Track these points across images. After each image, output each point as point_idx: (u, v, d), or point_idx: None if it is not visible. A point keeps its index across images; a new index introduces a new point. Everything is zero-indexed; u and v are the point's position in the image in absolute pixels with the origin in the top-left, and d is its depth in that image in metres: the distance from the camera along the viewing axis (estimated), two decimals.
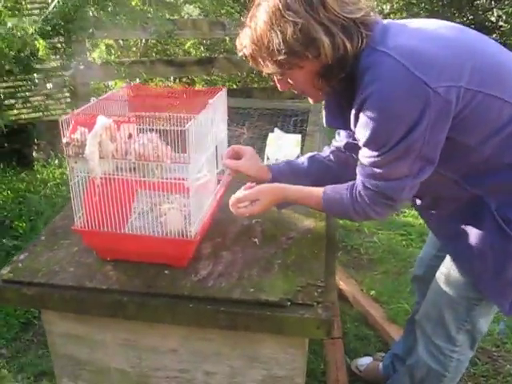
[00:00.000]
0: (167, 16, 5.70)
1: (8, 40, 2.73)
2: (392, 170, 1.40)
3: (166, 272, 1.54)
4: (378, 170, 1.42)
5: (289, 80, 1.47)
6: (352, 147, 1.69)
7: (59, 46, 4.19)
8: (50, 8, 3.37)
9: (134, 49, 6.08)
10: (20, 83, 4.36)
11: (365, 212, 1.52)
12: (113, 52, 5.81)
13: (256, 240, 1.70)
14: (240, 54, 1.48)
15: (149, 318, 1.48)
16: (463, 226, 1.56)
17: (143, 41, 5.82)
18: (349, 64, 1.36)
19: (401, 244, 3.46)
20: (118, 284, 1.50)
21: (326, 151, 1.84)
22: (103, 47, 5.84)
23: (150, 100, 1.60)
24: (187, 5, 6.18)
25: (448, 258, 1.72)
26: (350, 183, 1.55)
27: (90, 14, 4.70)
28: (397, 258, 3.30)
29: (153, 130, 1.49)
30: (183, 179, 1.42)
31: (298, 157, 2.01)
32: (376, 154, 1.39)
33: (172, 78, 6.10)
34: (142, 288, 1.48)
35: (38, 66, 3.97)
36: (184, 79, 6.21)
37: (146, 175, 1.43)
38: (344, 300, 2.83)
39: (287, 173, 1.79)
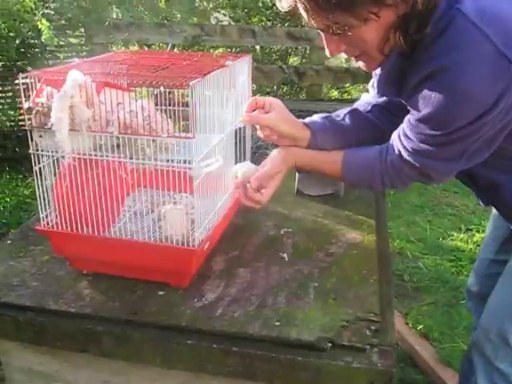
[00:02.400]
0: (195, 20, 5.39)
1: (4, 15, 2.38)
2: (444, 150, 1.17)
3: (160, 293, 1.13)
4: (426, 147, 1.17)
5: (349, 40, 1.11)
6: (394, 104, 1.38)
7: (75, 41, 3.85)
8: None
9: None
10: None
11: (392, 184, 1.30)
12: None
13: (285, 255, 1.27)
14: (288, 3, 1.08)
15: (130, 357, 1.06)
16: None
17: (169, 46, 5.49)
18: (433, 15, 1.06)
19: (450, 271, 2.99)
20: (91, 307, 1.09)
21: (365, 105, 1.47)
22: (127, 50, 5.51)
23: (150, 61, 1.20)
24: (217, 11, 5.85)
25: None
26: (377, 148, 1.30)
27: (114, 15, 4.41)
28: (446, 286, 2.83)
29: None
30: (185, 162, 1.01)
31: None
32: (432, 133, 1.14)
33: None
34: (124, 314, 1.07)
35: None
36: None
37: (134, 155, 1.02)
38: None
39: (329, 129, 1.39)
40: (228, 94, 1.19)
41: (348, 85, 6.58)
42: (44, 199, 1.13)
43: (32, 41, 2.95)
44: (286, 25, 5.91)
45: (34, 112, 1.03)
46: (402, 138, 1.22)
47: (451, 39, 1.04)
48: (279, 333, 1.00)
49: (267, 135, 1.32)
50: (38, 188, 1.11)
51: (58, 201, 1.10)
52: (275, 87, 6.09)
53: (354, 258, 1.27)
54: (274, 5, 4.81)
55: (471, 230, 3.43)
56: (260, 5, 5.70)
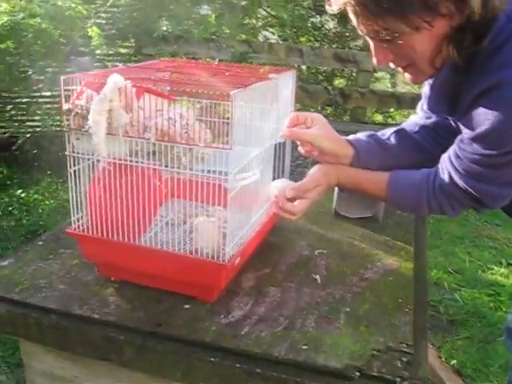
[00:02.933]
0: (243, 37, 5.41)
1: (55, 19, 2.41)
2: (499, 173, 1.10)
3: (186, 307, 1.10)
4: (480, 169, 1.10)
5: (398, 49, 1.07)
6: (443, 127, 1.33)
7: (124, 51, 3.90)
8: (109, 3, 3.06)
9: None
10: None
11: (441, 209, 1.22)
12: None
13: (317, 277, 1.23)
14: (338, 6, 1.04)
15: (150, 369, 1.02)
16: None
17: (216, 61, 5.52)
18: (492, 28, 1.01)
19: (488, 306, 2.89)
20: (115, 315, 1.07)
21: (412, 126, 1.41)
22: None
23: (193, 70, 1.18)
24: (265, 30, 5.87)
25: None
26: (426, 170, 1.24)
27: (163, 27, 4.46)
28: (483, 322, 2.73)
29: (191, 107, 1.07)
30: (220, 174, 0.98)
31: None
32: (487, 152, 1.07)
33: None
34: (148, 325, 1.04)
35: None
36: None
37: (169, 163, 1.00)
38: None
39: (374, 148, 1.33)
40: (270, 108, 1.16)
41: (392, 110, 6.51)
42: (77, 202, 1.11)
43: (82, 48, 3.00)
44: (333, 46, 5.89)
45: (72, 114, 1.02)
46: (453, 159, 1.15)
47: (510, 54, 1.00)
48: (306, 357, 0.96)
49: (308, 151, 1.29)
50: (72, 191, 1.10)
51: (91, 205, 1.09)
52: (319, 107, 6.05)
53: (390, 285, 1.22)
54: (323, 25, 4.77)
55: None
56: (309, 25, 5.69)
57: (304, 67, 5.94)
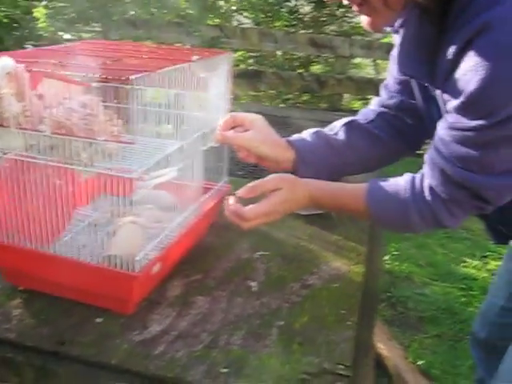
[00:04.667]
0: (215, 21, 5.26)
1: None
2: (498, 154, 0.88)
3: (98, 320, 0.96)
4: (474, 153, 0.89)
5: None
6: (408, 107, 1.17)
7: (87, 36, 3.72)
8: None
9: None
10: None
11: (435, 217, 0.99)
12: None
13: (253, 284, 1.10)
14: None
15: None
16: None
17: (187, 47, 5.36)
18: None
19: (459, 301, 2.78)
20: (16, 331, 0.93)
21: (368, 114, 1.25)
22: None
23: (110, 53, 1.04)
24: (238, 14, 5.71)
25: None
26: (410, 175, 1.04)
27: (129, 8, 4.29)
28: (454, 318, 2.62)
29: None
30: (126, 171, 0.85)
31: None
32: (478, 123, 0.86)
33: None
34: (50, 344, 0.91)
35: None
36: None
37: (69, 159, 0.86)
38: (382, 369, 2.17)
39: (319, 148, 1.19)
40: (194, 96, 1.02)
41: (371, 96, 6.39)
42: None
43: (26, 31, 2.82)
44: (309, 31, 5.74)
45: None
46: (440, 147, 0.95)
47: None
48: (224, 383, 0.83)
49: (245, 156, 1.15)
50: None
51: None
52: (294, 94, 5.92)
53: (334, 293, 1.09)
54: (298, 10, 4.64)
55: (486, 257, 3.20)
56: (283, 9, 5.54)
57: (279, 53, 5.79)
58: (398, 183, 1.04)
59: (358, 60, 6.24)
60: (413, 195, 1.00)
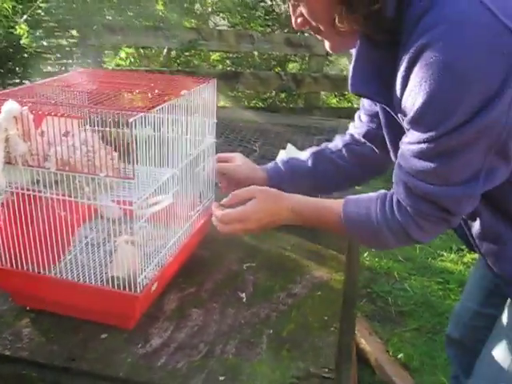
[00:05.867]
0: (193, 25, 5.31)
1: None
2: (451, 165, 0.96)
3: (103, 336, 1.05)
4: (430, 165, 0.97)
5: (303, 11, 1.06)
6: (374, 137, 1.32)
7: (66, 45, 3.78)
8: None
9: (161, 59, 5.67)
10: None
11: (405, 231, 1.07)
12: (132, 60, 5.41)
13: (243, 295, 1.20)
14: None
15: None
16: None
17: (165, 50, 5.41)
18: None
19: (437, 294, 2.91)
20: (28, 350, 1.01)
21: (337, 143, 1.43)
22: (123, 54, 5.45)
23: (103, 87, 1.12)
24: (215, 15, 5.77)
25: (508, 316, 1.20)
26: (381, 191, 1.14)
27: (107, 16, 4.35)
28: (431, 311, 2.75)
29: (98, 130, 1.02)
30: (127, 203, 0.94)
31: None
32: (429, 135, 0.94)
33: None
34: (61, 360, 0.99)
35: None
36: None
37: (73, 193, 0.95)
38: (364, 363, 2.29)
39: (286, 173, 1.40)
40: (185, 124, 1.11)
41: (346, 93, 6.50)
42: None
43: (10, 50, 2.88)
44: (285, 31, 5.83)
45: None
46: (402, 162, 1.03)
47: (441, 13, 0.90)
48: None
49: (225, 187, 1.37)
50: None
51: (3, 234, 1.03)
52: (273, 92, 6.00)
53: (317, 301, 1.19)
54: (274, 10, 4.71)
55: (462, 249, 3.34)
56: (258, 13, 5.61)
57: (256, 53, 5.87)
58: (371, 202, 1.13)
59: (333, 57, 6.33)
60: (383, 213, 1.10)
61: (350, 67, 1.11)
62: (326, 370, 0.98)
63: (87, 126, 0.98)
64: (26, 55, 3.23)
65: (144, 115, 0.89)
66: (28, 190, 0.97)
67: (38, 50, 3.17)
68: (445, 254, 3.32)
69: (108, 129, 0.93)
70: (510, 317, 1.20)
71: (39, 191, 0.96)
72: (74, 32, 4.08)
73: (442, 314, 2.71)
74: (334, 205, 1.18)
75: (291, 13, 1.11)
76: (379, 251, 3.20)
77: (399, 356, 2.39)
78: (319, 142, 2.28)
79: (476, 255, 1.48)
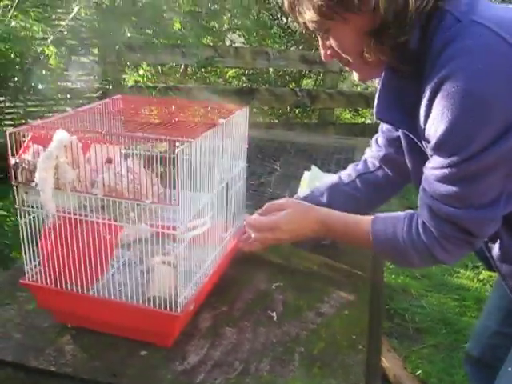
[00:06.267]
0: (209, 42, 5.40)
1: (10, 41, 2.39)
2: (473, 189, 1.02)
3: (142, 353, 1.10)
4: (452, 189, 1.02)
5: (333, 43, 1.12)
6: (391, 161, 1.38)
7: (87, 62, 3.86)
8: (71, 16, 3.04)
9: (177, 75, 5.77)
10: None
11: (430, 252, 1.12)
12: (149, 77, 5.50)
13: (274, 314, 1.25)
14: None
15: None
16: None
17: (182, 66, 5.50)
18: (411, 26, 1.01)
19: (454, 311, 2.94)
20: (72, 366, 1.07)
21: (350, 173, 1.49)
22: (141, 71, 5.54)
23: (142, 115, 1.18)
24: (231, 33, 5.86)
25: None
26: (409, 211, 1.19)
27: (127, 34, 4.43)
28: (448, 328, 2.78)
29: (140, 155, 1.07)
30: (171, 228, 0.99)
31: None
32: (451, 160, 1.00)
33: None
34: (104, 375, 1.04)
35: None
36: None
37: (119, 218, 1.00)
38: (383, 379, 2.32)
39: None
40: (220, 151, 1.17)
41: (360, 109, 6.56)
42: (30, 253, 1.11)
43: (39, 70, 2.96)
44: (300, 48, 5.92)
45: (19, 169, 1.02)
46: (426, 187, 1.09)
47: (462, 45, 0.96)
48: None
49: None
50: (24, 241, 1.09)
51: (43, 256, 1.09)
52: (287, 108, 6.07)
53: (345, 320, 1.23)
54: (289, 27, 4.79)
55: (478, 267, 3.37)
56: (274, 30, 5.70)
57: (271, 69, 5.95)
58: (399, 221, 1.18)
59: (347, 73, 6.40)
60: (410, 234, 1.15)
61: (376, 95, 1.17)
62: None
63: (133, 152, 1.03)
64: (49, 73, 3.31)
65: (189, 144, 0.95)
66: (75, 214, 1.03)
67: (61, 67, 3.25)
68: (461, 271, 3.34)
69: (154, 154, 0.98)
70: None
71: (85, 215, 1.02)
72: (96, 50, 4.17)
73: (459, 331, 2.73)
74: (362, 221, 1.24)
75: (320, 45, 1.17)
76: (397, 268, 3.24)
77: (417, 373, 2.42)
78: (338, 161, 2.35)
79: (492, 273, 1.52)
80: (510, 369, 1.27)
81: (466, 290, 3.13)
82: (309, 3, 1.05)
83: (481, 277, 3.27)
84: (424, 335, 2.73)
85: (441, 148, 1.02)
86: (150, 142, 1.02)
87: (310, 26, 1.09)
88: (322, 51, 1.17)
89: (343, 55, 1.13)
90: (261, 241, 1.31)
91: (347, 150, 2.53)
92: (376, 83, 1.23)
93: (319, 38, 1.16)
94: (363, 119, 6.67)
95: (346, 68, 1.19)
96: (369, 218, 1.23)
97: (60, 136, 0.98)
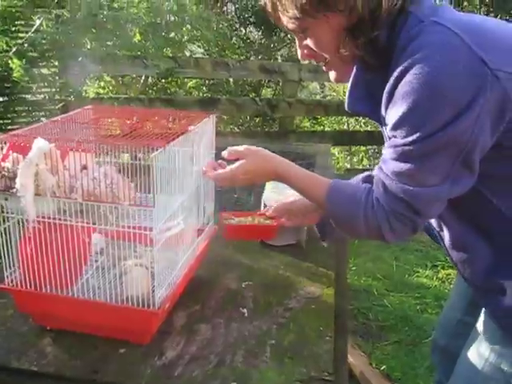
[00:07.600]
0: (169, 53, 5.44)
1: None
2: (425, 168, 1.10)
3: (122, 351, 1.15)
4: (407, 166, 1.11)
5: (310, 43, 1.20)
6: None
7: (48, 74, 3.87)
8: (33, 29, 3.05)
9: (138, 86, 5.79)
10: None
11: (377, 224, 1.19)
12: (110, 88, 5.51)
13: (245, 310, 1.31)
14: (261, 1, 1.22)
15: None
16: None
17: (143, 77, 5.52)
18: (382, 23, 1.12)
19: (414, 309, 3.05)
20: (54, 365, 1.11)
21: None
22: (101, 83, 5.55)
23: (115, 123, 1.24)
24: (191, 44, 5.90)
25: (482, 322, 1.33)
26: (369, 185, 1.25)
27: (88, 45, 4.45)
28: (410, 325, 2.89)
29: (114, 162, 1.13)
30: (147, 229, 1.05)
31: None
32: (408, 140, 1.09)
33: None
34: (86, 373, 1.09)
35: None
36: None
37: (97, 221, 1.06)
38: (350, 376, 2.41)
39: None
40: (191, 156, 1.23)
41: (319, 116, 6.68)
42: (9, 258, 1.15)
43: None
44: (259, 57, 6.01)
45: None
46: (382, 165, 1.18)
47: (424, 41, 1.08)
48: None
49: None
50: (3, 247, 1.14)
51: (22, 261, 1.13)
52: (248, 117, 6.15)
53: (312, 314, 1.31)
54: (248, 38, 4.85)
55: (437, 266, 3.50)
56: (234, 41, 5.78)
57: (231, 79, 6.02)
58: (359, 188, 1.26)
59: (306, 83, 6.53)
60: (365, 202, 1.21)
61: (347, 90, 1.26)
62: (326, 373, 1.10)
63: (107, 160, 1.09)
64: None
65: (163, 149, 1.01)
66: (54, 218, 1.08)
67: (25, 80, 3.26)
68: (420, 270, 3.47)
69: (132, 161, 1.04)
70: (483, 322, 1.33)
71: (65, 220, 1.07)
72: (57, 63, 4.17)
73: (420, 327, 2.84)
74: (321, 181, 1.32)
75: (297, 45, 1.26)
76: (359, 270, 3.35)
77: (382, 368, 2.51)
78: (300, 166, 2.43)
79: (450, 271, 1.61)
80: (467, 355, 1.36)
81: (426, 289, 3.25)
82: (292, 3, 1.13)
83: (440, 275, 3.39)
84: (387, 332, 2.83)
85: (398, 127, 1.11)
86: (122, 149, 1.08)
87: (290, 25, 1.18)
88: (299, 51, 1.26)
89: (320, 53, 1.22)
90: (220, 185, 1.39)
91: (309, 156, 2.62)
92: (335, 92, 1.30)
93: (297, 39, 1.25)
94: (322, 127, 6.79)
95: (324, 68, 1.27)
96: (328, 180, 1.31)
97: (39, 144, 1.03)
